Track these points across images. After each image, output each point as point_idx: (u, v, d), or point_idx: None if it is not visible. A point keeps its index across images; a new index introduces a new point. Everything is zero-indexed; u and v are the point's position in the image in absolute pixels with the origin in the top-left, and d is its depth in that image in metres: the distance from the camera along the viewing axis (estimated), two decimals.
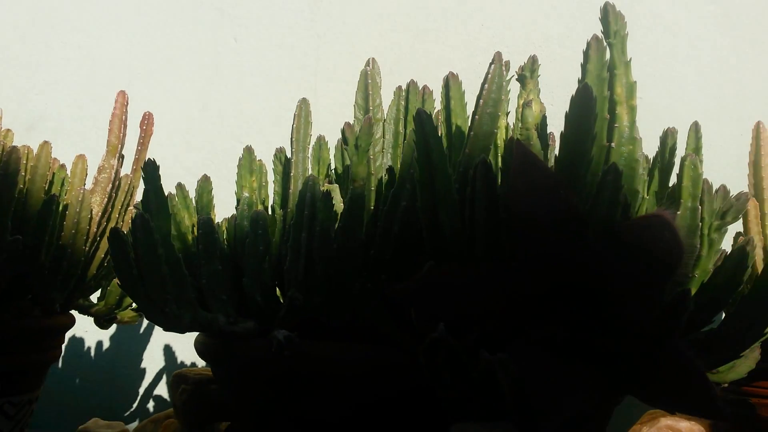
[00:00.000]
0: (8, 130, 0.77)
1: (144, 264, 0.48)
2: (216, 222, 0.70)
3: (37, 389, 0.74)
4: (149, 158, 0.54)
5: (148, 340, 1.17)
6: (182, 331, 0.55)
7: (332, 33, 1.22)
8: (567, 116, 0.42)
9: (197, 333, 0.63)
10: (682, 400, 0.37)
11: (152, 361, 1.16)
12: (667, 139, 0.63)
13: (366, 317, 0.48)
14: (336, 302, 0.51)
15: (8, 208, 0.63)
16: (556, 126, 0.55)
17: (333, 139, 0.73)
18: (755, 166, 0.83)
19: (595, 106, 0.41)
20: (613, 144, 0.48)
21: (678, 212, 0.53)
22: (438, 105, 0.63)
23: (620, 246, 0.38)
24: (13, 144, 0.67)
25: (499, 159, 0.55)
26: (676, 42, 1.14)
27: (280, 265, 0.58)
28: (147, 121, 0.79)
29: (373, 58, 0.69)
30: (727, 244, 0.65)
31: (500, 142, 0.57)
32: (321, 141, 0.73)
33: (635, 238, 0.38)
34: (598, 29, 0.50)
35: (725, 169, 1.06)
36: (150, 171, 0.53)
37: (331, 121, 0.80)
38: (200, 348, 0.62)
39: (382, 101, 0.68)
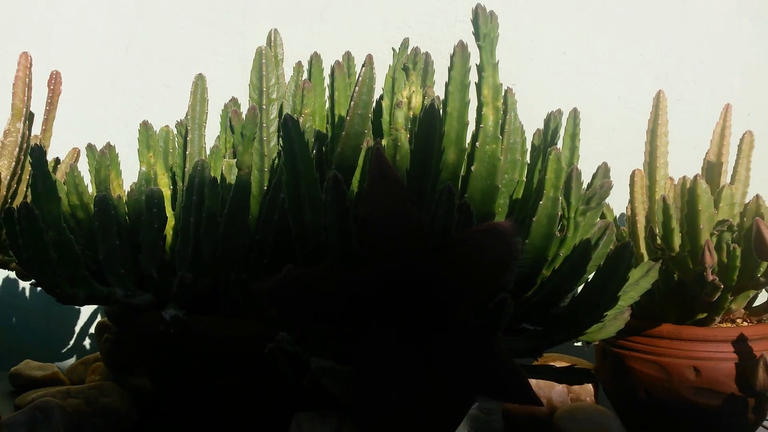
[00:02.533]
0: None
1: (31, 250, 0.51)
2: (125, 191, 0.72)
3: None
4: (35, 144, 0.55)
5: None
6: (80, 305, 0.58)
7: None
8: (415, 134, 0.45)
9: None
10: (502, 391, 0.43)
11: None
12: (550, 122, 0.67)
13: (246, 303, 0.52)
14: (222, 284, 0.55)
15: None
16: None
17: None
18: (652, 134, 0.87)
19: (441, 125, 0.44)
20: (477, 144, 0.52)
21: (541, 202, 0.58)
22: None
23: (454, 254, 0.42)
24: None
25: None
26: None
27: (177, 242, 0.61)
28: (55, 81, 0.78)
29: (275, 29, 0.69)
30: None
31: (385, 128, 0.60)
32: (228, 108, 0.74)
33: (467, 249, 0.42)
34: None
35: (642, 125, 1.10)
36: (36, 156, 0.54)
37: None
38: (109, 313, 0.66)
39: (284, 74, 0.69)
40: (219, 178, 0.61)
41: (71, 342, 1.20)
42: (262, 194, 0.59)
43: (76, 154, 0.86)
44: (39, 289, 1.22)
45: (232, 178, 0.63)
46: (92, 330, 1.20)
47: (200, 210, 0.55)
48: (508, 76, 1.15)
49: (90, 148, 0.77)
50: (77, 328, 1.20)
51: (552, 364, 0.81)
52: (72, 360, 1.18)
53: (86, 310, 1.21)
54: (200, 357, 0.55)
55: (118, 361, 0.87)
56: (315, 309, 0.43)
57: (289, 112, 0.61)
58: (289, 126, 0.45)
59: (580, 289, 0.59)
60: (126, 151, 0.84)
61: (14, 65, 1.18)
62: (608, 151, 1.15)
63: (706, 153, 0.91)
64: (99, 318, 1.20)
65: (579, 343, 1.11)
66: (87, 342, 1.20)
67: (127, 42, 1.18)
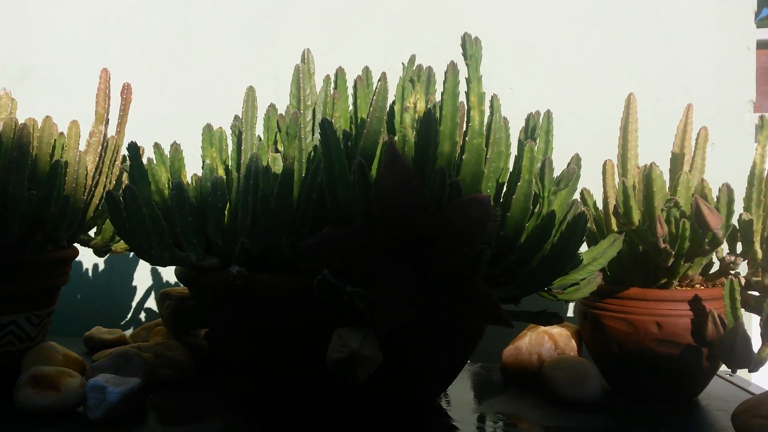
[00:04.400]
0: (11, 99, 0.94)
1: (132, 221, 0.68)
2: (187, 179, 0.89)
3: (53, 305, 0.96)
4: (132, 141, 0.72)
5: (137, 263, 1.39)
6: (164, 266, 0.75)
7: None
8: (418, 131, 0.61)
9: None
10: (483, 315, 0.60)
11: (142, 280, 1.38)
12: (530, 120, 0.83)
13: (294, 258, 0.69)
14: (274, 248, 0.72)
15: (24, 171, 0.81)
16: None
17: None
18: (624, 130, 1.02)
19: (437, 125, 0.61)
20: (467, 138, 0.68)
21: (519, 183, 0.74)
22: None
23: (446, 217, 0.59)
24: (5, 94, 0.86)
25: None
26: (586, 3, 1.30)
27: (236, 217, 0.79)
28: (126, 91, 0.96)
29: (307, 49, 0.86)
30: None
31: (398, 127, 0.76)
32: (270, 112, 0.91)
33: (455, 213, 0.59)
34: None
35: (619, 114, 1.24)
36: (133, 151, 0.72)
37: (288, 73, 0.95)
38: (180, 275, 0.83)
39: (315, 84, 0.86)
40: None
41: (129, 315, 1.38)
42: (302, 180, 0.76)
43: (141, 150, 1.03)
44: (101, 270, 1.41)
45: (276, 168, 0.80)
46: (147, 305, 1.38)
47: (256, 191, 0.72)
48: (506, 81, 1.32)
49: (156, 146, 0.94)
50: (134, 304, 1.38)
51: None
52: (129, 330, 1.37)
53: (141, 289, 1.39)
54: (258, 304, 0.72)
55: (178, 324, 1.05)
56: (346, 258, 0.60)
57: (323, 116, 0.78)
58: (325, 126, 0.62)
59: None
60: None
61: (79, 78, 1.36)
62: (596, 146, 1.30)
63: (672, 145, 1.06)
64: (153, 295, 1.38)
65: (572, 313, 1.27)
66: (143, 315, 1.38)
67: (174, 56, 1.36)
